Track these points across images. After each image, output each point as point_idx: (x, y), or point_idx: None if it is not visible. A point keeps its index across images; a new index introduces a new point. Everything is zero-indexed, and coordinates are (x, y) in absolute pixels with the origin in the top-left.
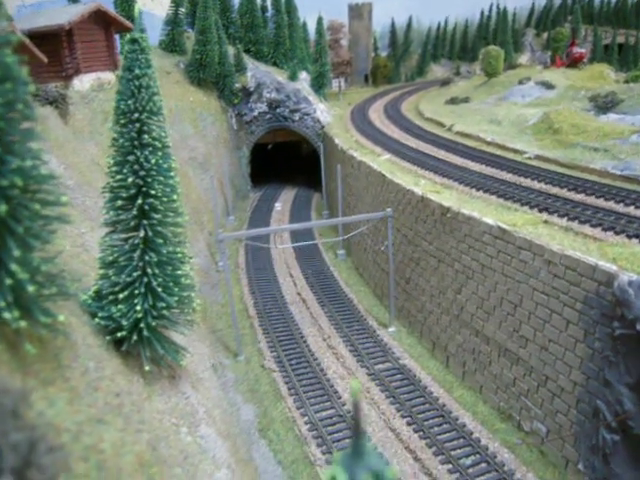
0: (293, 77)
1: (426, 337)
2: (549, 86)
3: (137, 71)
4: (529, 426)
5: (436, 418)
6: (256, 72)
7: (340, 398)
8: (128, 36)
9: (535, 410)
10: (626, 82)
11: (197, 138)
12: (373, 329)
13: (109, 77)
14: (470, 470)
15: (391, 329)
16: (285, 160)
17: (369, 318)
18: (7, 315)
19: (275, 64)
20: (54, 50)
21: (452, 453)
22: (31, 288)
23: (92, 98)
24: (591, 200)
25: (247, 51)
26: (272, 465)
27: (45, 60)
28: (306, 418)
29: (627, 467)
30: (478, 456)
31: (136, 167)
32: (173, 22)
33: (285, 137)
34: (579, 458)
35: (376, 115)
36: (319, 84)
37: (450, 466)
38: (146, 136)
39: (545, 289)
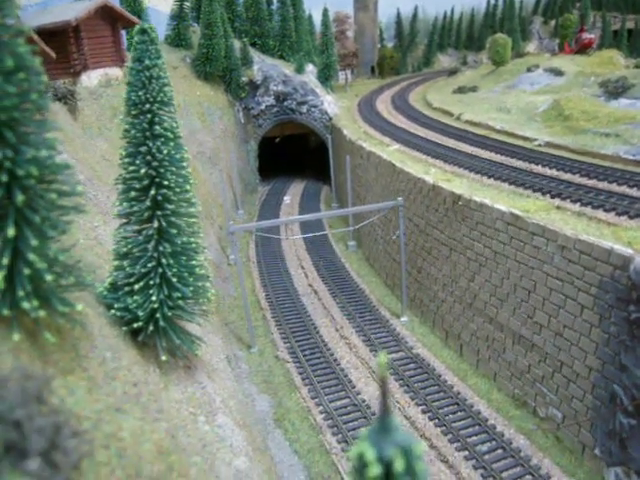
0: (300, 70)
1: (439, 326)
2: (558, 73)
3: (147, 62)
4: (544, 412)
5: (451, 406)
6: (262, 65)
7: (354, 387)
8: (137, 27)
9: (550, 396)
10: (636, 67)
11: (205, 132)
12: (385, 319)
13: (117, 73)
14: (486, 457)
15: (403, 319)
16: (293, 153)
17: (381, 308)
18: (26, 304)
19: (281, 57)
20: (61, 47)
21: (468, 440)
22: (49, 277)
23: (100, 94)
24: (603, 185)
25: (253, 44)
26: (288, 454)
27: (53, 56)
28: (321, 407)
29: None
30: (494, 443)
31: (148, 158)
32: (178, 16)
33: (293, 130)
34: (595, 443)
35: (384, 106)
36: (326, 76)
37: (466, 453)
38: (157, 127)
39: (559, 274)
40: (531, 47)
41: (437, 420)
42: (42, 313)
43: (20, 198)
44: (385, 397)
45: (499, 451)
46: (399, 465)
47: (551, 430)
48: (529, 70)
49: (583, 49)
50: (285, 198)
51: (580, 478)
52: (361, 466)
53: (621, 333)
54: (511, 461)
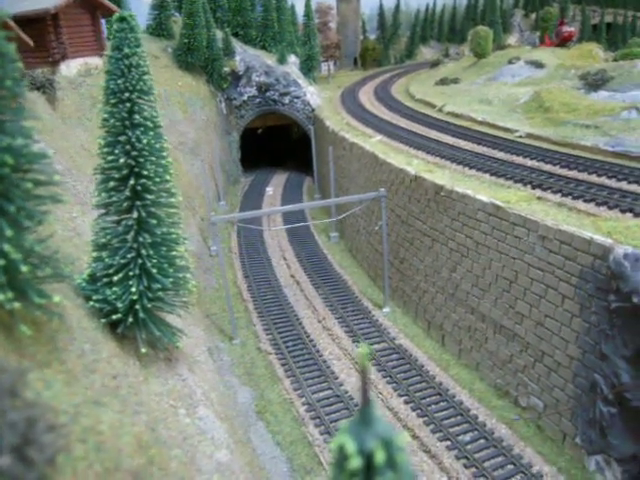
0: (282, 60)
1: (421, 316)
2: (539, 65)
3: (126, 50)
4: (526, 402)
5: (433, 396)
6: (245, 56)
7: (337, 379)
8: (116, 15)
9: (532, 386)
10: (615, 60)
11: (186, 123)
12: (368, 310)
13: (96, 62)
14: (469, 446)
15: (386, 309)
16: (276, 144)
17: (364, 299)
18: (0, 296)
19: (264, 47)
20: (40, 35)
21: (450, 430)
22: (25, 269)
23: (80, 83)
24: (583, 176)
25: (235, 35)
26: (270, 446)
27: (31, 44)
28: (303, 399)
29: (624, 439)
30: (476, 432)
31: (128, 147)
32: (160, 6)
33: (275, 121)
34: (576, 432)
35: (366, 97)
36: (308, 67)
37: (449, 443)
38: (137, 116)
39: (540, 265)
40: (512, 40)
41: (419, 411)
42: (17, 305)
43: None
44: (366, 388)
45: (481, 441)
46: (380, 457)
47: (533, 419)
48: (510, 62)
49: (563, 42)
50: (267, 189)
51: (561, 466)
52: (342, 458)
53: (601, 322)
54: (493, 451)
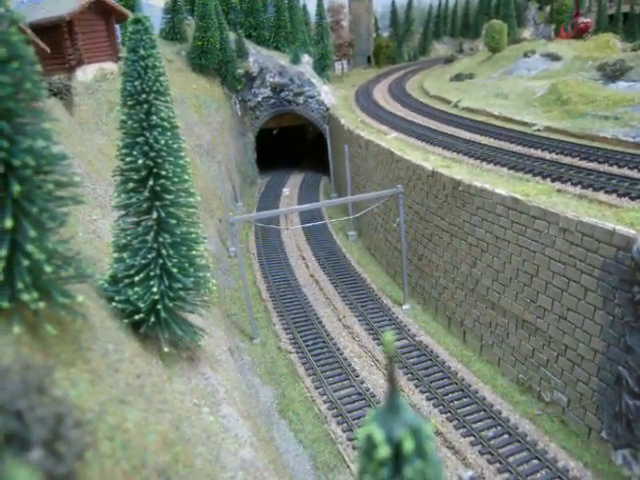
0: (295, 60)
1: (441, 313)
2: (555, 58)
3: (142, 52)
4: (549, 396)
5: (455, 392)
6: (258, 57)
7: (358, 376)
8: (131, 17)
9: (555, 380)
10: (633, 50)
11: (202, 125)
12: (388, 307)
13: (112, 67)
14: (492, 442)
15: (406, 307)
16: (291, 145)
17: (383, 297)
18: (26, 296)
19: (277, 48)
20: (56, 42)
21: (474, 426)
22: (48, 269)
23: (96, 89)
24: (604, 168)
25: (248, 36)
26: (293, 444)
27: (48, 50)
28: (325, 397)
29: None
30: (499, 428)
31: (146, 148)
32: (173, 10)
33: (290, 121)
34: (602, 426)
35: (381, 95)
36: (322, 66)
37: (472, 439)
38: (154, 117)
39: (561, 257)
40: (527, 33)
41: (442, 407)
42: (42, 305)
43: (17, 189)
44: (392, 375)
45: (505, 436)
46: (409, 445)
47: (556, 414)
48: (526, 56)
49: (579, 34)
50: (284, 190)
51: (587, 461)
52: (369, 448)
53: (626, 314)
54: (517, 446)
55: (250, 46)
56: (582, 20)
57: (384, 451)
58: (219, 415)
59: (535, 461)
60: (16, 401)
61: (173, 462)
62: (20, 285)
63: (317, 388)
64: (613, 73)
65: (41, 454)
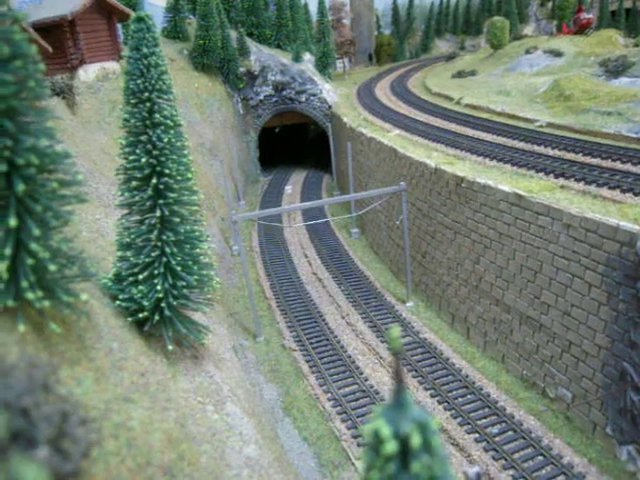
0: (297, 58)
1: (445, 310)
2: (557, 54)
3: (145, 50)
4: (554, 393)
5: (460, 389)
6: (260, 55)
7: (362, 374)
8: (133, 15)
9: (559, 376)
10: (636, 46)
11: (204, 124)
12: (391, 305)
13: (114, 67)
14: (497, 438)
15: (409, 304)
16: (293, 143)
17: (386, 294)
18: (30, 295)
19: (278, 46)
20: (58, 41)
21: (478, 423)
22: (53, 267)
23: (98, 88)
24: (607, 163)
25: (250, 34)
26: (297, 442)
27: (50, 50)
28: (329, 395)
29: None
30: (504, 424)
31: (149, 147)
32: (174, 9)
33: (292, 119)
34: (606, 422)
35: (383, 93)
36: (323, 64)
37: (477, 435)
38: (157, 115)
39: (565, 253)
40: (529, 30)
41: (446, 403)
42: (47, 304)
43: (21, 187)
44: (399, 372)
45: (510, 433)
46: (416, 440)
47: (561, 410)
48: (528, 52)
49: (581, 30)
50: (286, 188)
51: (592, 457)
52: (376, 443)
53: (630, 310)
54: (522, 442)
55: (252, 44)
56: (584, 16)
57: (391, 446)
58: (223, 413)
59: (540, 457)
60: (22, 399)
61: (178, 460)
62: (25, 284)
63: (321, 386)
64: (615, 69)
65: (47, 452)
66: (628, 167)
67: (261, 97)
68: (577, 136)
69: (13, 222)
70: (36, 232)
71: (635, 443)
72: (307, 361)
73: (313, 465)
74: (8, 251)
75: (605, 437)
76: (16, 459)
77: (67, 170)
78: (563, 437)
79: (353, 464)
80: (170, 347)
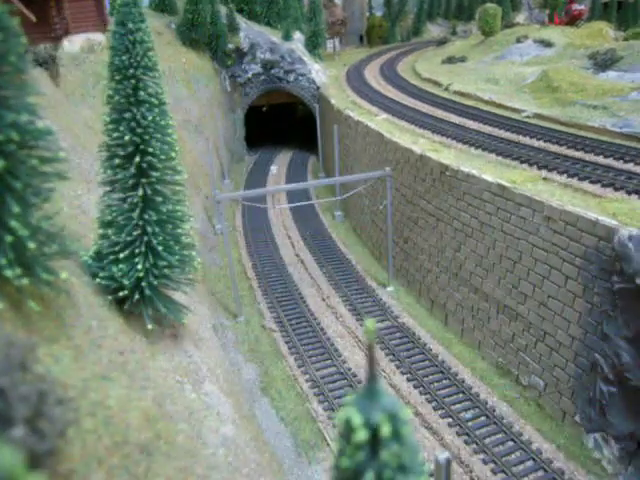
0: (287, 37)
1: (425, 296)
2: (547, 44)
3: (131, 25)
4: (527, 380)
5: (436, 374)
6: (249, 32)
7: (340, 356)
8: None
9: (533, 365)
10: (625, 40)
11: (191, 100)
12: (372, 289)
13: (99, 38)
14: (470, 423)
15: (390, 288)
16: (280, 122)
17: (367, 278)
18: (9, 272)
19: (268, 24)
20: (42, 10)
21: (452, 407)
22: (32, 245)
23: (83, 60)
24: (590, 157)
25: (240, 11)
26: (274, 422)
27: (33, 19)
28: (307, 376)
29: (622, 417)
30: (477, 410)
31: (133, 124)
32: None
33: (280, 99)
34: (576, 410)
35: (372, 75)
36: (313, 44)
37: (450, 420)
38: (142, 92)
39: (544, 245)
40: (521, 18)
41: (422, 388)
42: (25, 281)
43: (0, 164)
44: (372, 363)
45: (482, 418)
46: (386, 430)
47: (533, 398)
48: (518, 41)
49: (573, 21)
50: (272, 167)
51: (560, 444)
52: (347, 431)
53: (604, 303)
54: (494, 428)
55: (241, 21)
56: (576, 7)
57: (361, 435)
58: (201, 392)
59: (510, 443)
60: None
61: (155, 438)
62: (3, 261)
63: (300, 367)
64: (604, 62)
65: (23, 432)
66: (610, 162)
67: (249, 75)
68: (562, 128)
69: None
70: (16, 209)
71: (602, 431)
72: (286, 342)
73: (289, 445)
74: None
75: (574, 425)
76: None
77: (48, 147)
78: (534, 424)
79: (328, 445)
80: (150, 326)
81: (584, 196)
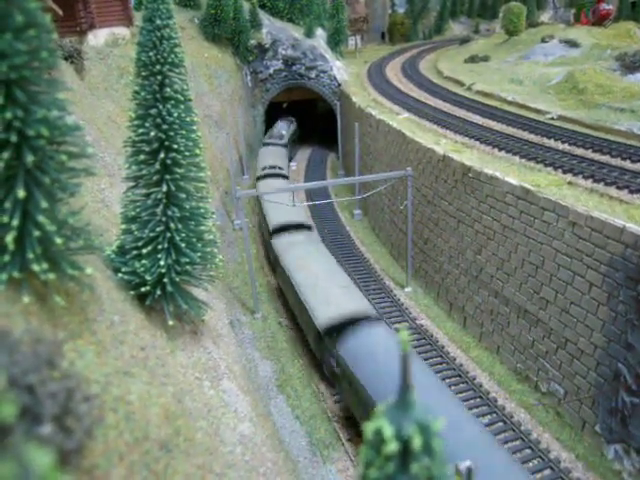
0: (309, 33)
1: (443, 298)
2: (573, 44)
3: (158, 22)
4: (546, 387)
5: (453, 378)
6: (271, 28)
7: None
8: None
9: (553, 372)
10: None
11: (212, 96)
12: (390, 289)
13: (124, 32)
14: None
15: (408, 289)
16: (300, 119)
17: (385, 278)
18: (36, 267)
19: (291, 20)
20: (68, 4)
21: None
22: (59, 240)
23: (107, 54)
24: (617, 162)
25: (262, 6)
26: (290, 420)
27: (60, 13)
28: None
29: None
30: (494, 415)
31: (158, 121)
32: None
33: (301, 95)
34: (596, 420)
35: (393, 73)
36: (335, 41)
37: None
38: (168, 89)
39: (568, 251)
40: (546, 17)
41: None
42: (52, 276)
43: (30, 159)
44: (406, 373)
45: (499, 424)
46: (417, 442)
47: (552, 405)
48: (543, 41)
49: (600, 20)
50: (291, 164)
51: (579, 453)
52: (378, 442)
53: (629, 312)
54: (511, 434)
55: (264, 17)
56: (604, 6)
57: (393, 446)
58: (220, 389)
59: (528, 450)
60: (28, 375)
61: (174, 435)
62: (31, 255)
63: (316, 365)
64: (632, 64)
65: (51, 429)
66: (638, 167)
67: (270, 71)
68: (588, 131)
69: (21, 193)
70: (44, 204)
71: (623, 442)
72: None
73: (304, 444)
74: (15, 222)
75: (594, 435)
76: (21, 436)
77: (76, 142)
78: (552, 432)
79: (343, 444)
80: (170, 322)
81: (610, 202)
